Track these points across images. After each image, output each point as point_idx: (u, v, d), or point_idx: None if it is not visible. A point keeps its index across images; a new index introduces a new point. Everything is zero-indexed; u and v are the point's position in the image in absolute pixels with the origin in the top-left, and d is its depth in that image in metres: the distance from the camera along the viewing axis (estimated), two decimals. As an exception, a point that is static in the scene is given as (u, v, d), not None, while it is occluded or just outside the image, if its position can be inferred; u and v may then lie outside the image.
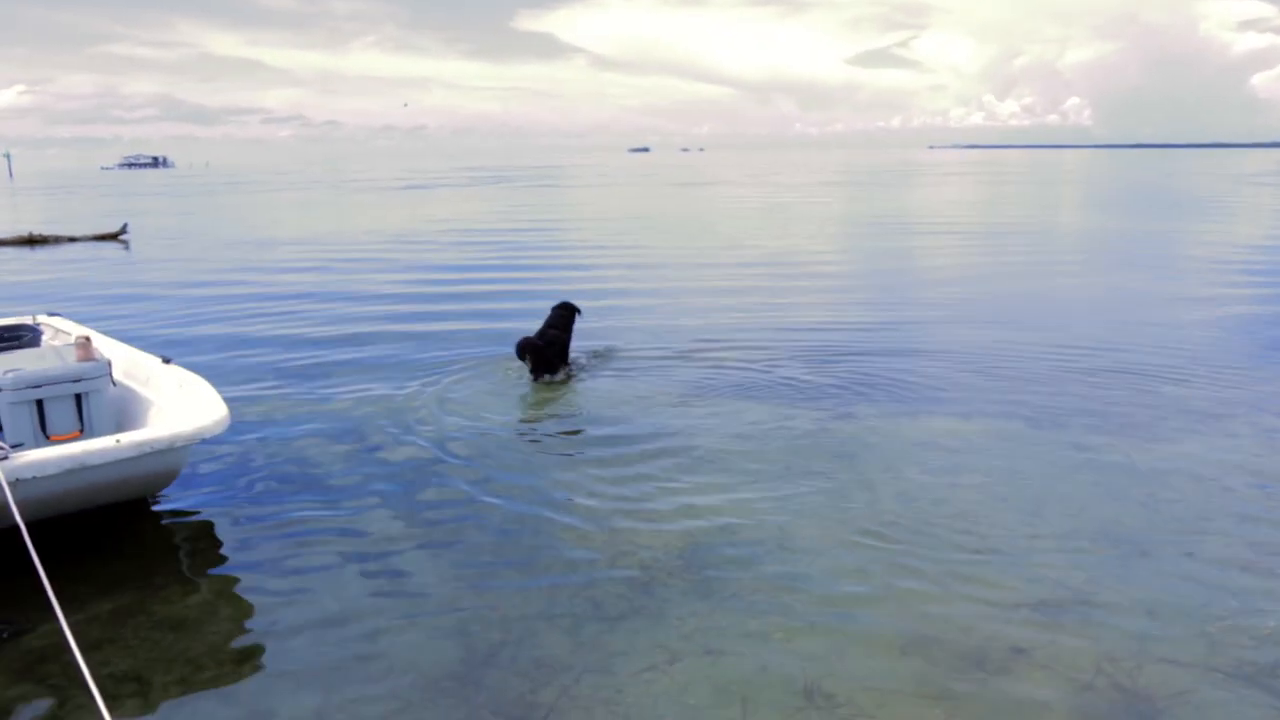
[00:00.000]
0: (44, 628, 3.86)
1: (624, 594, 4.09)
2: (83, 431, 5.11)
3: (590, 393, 7.58)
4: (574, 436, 6.45)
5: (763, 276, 14.56)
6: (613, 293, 12.80)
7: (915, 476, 5.56)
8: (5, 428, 4.92)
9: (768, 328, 10.11)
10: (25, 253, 22.24)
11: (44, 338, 6.91)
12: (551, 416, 6.93)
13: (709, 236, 21.72)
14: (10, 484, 3.71)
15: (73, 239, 23.96)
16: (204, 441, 4.70)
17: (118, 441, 4.26)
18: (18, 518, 3.46)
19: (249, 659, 3.65)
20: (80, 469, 4.13)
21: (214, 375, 5.55)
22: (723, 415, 6.82)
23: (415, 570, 4.38)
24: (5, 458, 3.90)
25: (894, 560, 4.43)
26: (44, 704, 3.36)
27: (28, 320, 7.19)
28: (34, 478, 3.95)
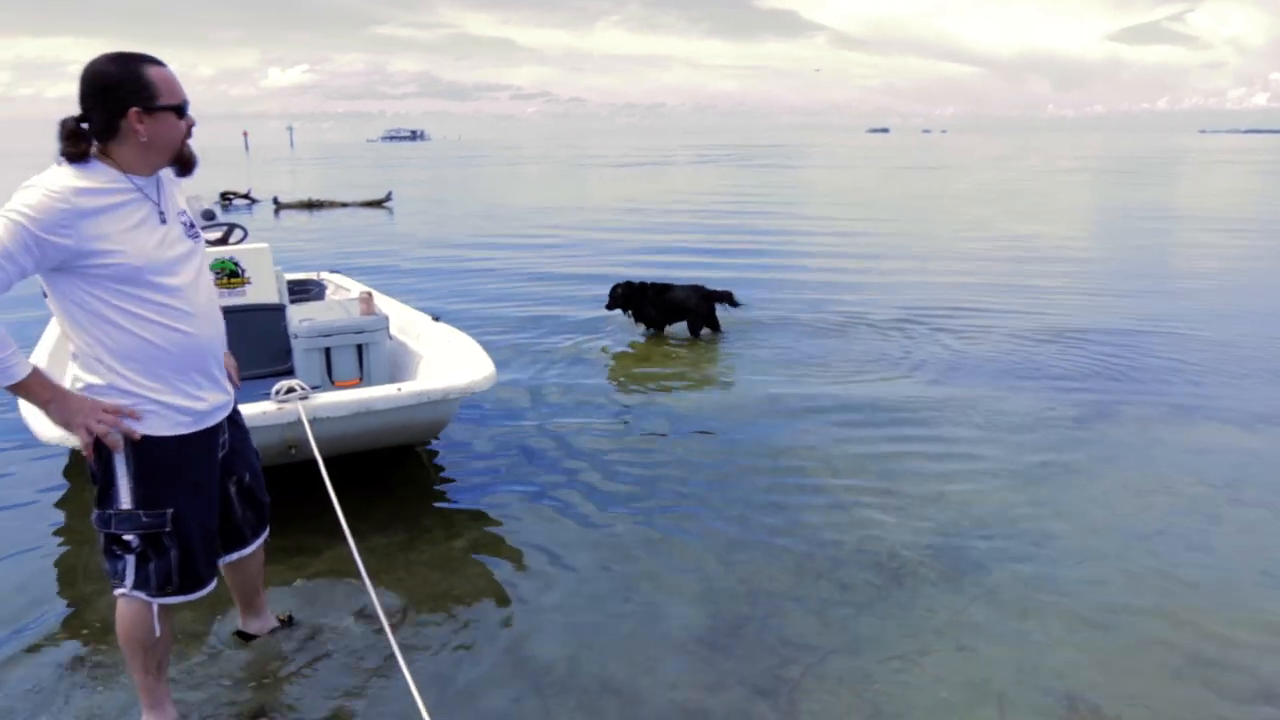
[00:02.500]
0: (328, 553, 4.24)
1: (871, 579, 4.00)
2: (362, 380, 5.55)
3: (836, 368, 7.47)
4: (818, 411, 6.34)
5: (1011, 263, 13.79)
6: (848, 270, 12.56)
7: (1189, 487, 5.10)
8: (298, 371, 5.41)
9: (1017, 315, 9.57)
10: (305, 216, 24.48)
11: (327, 292, 7.57)
12: (797, 389, 6.86)
13: (952, 220, 20.83)
14: (309, 421, 4.08)
15: (344, 204, 26.16)
16: (471, 396, 5.00)
17: (399, 390, 4.60)
18: (316, 452, 3.79)
19: (506, 605, 3.85)
20: (366, 413, 4.49)
21: (473, 332, 5.88)
22: (973, 402, 6.53)
23: (662, 534, 4.47)
24: (306, 397, 4.30)
25: (1166, 574, 4.09)
26: (326, 623, 3.69)
27: (314, 276, 7.90)
28: (327, 417, 4.34)
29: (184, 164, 2.71)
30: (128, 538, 2.73)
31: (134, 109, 2.51)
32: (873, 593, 3.90)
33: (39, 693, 3.25)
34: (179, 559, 2.79)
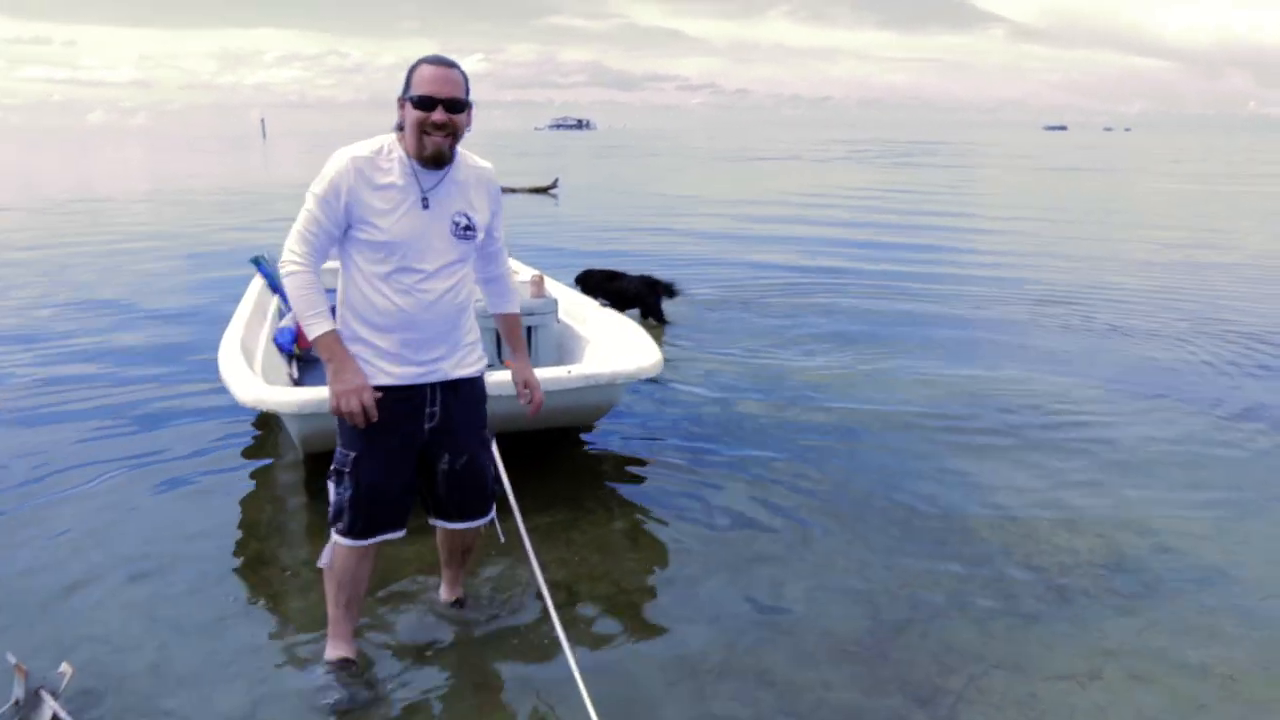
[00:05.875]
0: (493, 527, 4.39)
1: (1040, 595, 3.85)
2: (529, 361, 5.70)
3: (1003, 376, 7.18)
4: (987, 421, 6.10)
5: (1201, 274, 12.89)
6: (1013, 281, 12.04)
7: (1403, 522, 4.68)
8: (471, 351, 5.61)
9: (1206, 328, 8.93)
10: (475, 200, 25.26)
11: (498, 274, 7.80)
12: (962, 398, 6.61)
13: (1134, 225, 19.65)
14: (485, 398, 4.22)
15: (513, 190, 26.89)
16: (637, 381, 5.06)
17: (569, 372, 4.72)
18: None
19: (662, 591, 3.90)
20: (537, 393, 4.60)
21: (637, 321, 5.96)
22: (1155, 416, 6.18)
23: (824, 532, 4.43)
24: (480, 375, 4.45)
25: (1375, 615, 3.77)
26: (488, 594, 3.83)
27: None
28: (499, 395, 4.47)
29: (429, 159, 2.90)
30: (334, 465, 3.08)
31: (400, 98, 2.91)
32: (1040, 608, 3.75)
33: (226, 619, 3.52)
34: (351, 498, 3.06)
